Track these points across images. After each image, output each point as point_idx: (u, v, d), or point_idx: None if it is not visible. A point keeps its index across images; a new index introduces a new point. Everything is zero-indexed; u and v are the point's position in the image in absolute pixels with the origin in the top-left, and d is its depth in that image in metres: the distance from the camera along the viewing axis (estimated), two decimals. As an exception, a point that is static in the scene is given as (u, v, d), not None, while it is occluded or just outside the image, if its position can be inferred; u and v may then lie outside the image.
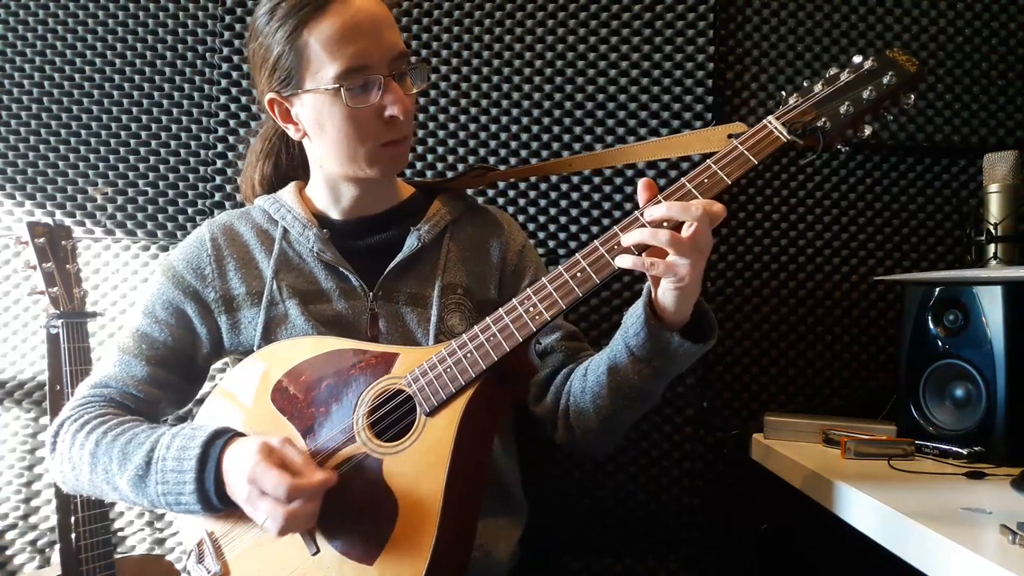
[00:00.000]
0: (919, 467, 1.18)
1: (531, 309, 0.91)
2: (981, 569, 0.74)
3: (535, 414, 1.14)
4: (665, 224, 0.87)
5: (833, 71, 0.92)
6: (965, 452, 1.21)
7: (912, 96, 0.92)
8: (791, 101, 0.92)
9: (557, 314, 0.90)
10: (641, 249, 0.88)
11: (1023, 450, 1.20)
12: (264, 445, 0.89)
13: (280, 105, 1.07)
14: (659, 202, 0.88)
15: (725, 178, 0.88)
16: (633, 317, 0.97)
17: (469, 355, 0.92)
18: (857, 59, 0.92)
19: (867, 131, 0.91)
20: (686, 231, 0.85)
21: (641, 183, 0.91)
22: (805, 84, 0.93)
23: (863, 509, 0.99)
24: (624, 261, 0.88)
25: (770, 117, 0.90)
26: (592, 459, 1.59)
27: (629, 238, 0.88)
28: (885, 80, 0.89)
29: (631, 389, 1.00)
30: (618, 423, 1.06)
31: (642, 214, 0.88)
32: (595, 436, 1.07)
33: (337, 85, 1.00)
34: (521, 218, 1.62)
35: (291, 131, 1.10)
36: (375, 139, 1.04)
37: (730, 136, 0.93)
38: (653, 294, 0.94)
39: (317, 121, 1.04)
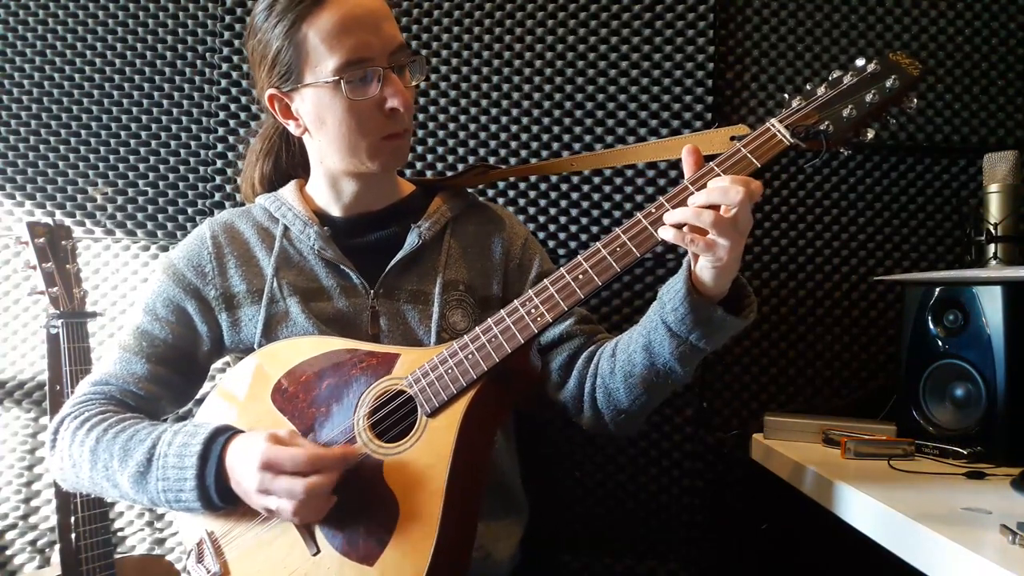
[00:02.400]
0: (919, 467, 1.18)
1: (533, 311, 0.91)
2: (981, 569, 0.74)
3: (557, 400, 1.13)
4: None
5: (836, 74, 0.92)
6: (965, 452, 1.21)
7: (915, 100, 0.91)
8: (794, 104, 0.91)
9: (559, 315, 0.90)
10: (680, 225, 0.88)
11: (1023, 450, 1.20)
12: (273, 434, 0.90)
13: (280, 101, 1.08)
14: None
15: None
16: (671, 292, 0.95)
17: (470, 356, 0.92)
18: (860, 62, 0.91)
19: (869, 134, 0.91)
20: (727, 213, 0.85)
21: (686, 150, 0.91)
22: (808, 87, 0.92)
23: (863, 509, 0.99)
24: (667, 233, 0.87)
25: (773, 120, 0.90)
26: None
27: (672, 216, 0.87)
28: (888, 84, 0.89)
29: (664, 366, 0.99)
30: (647, 403, 1.06)
31: (691, 184, 0.88)
32: (625, 417, 1.07)
33: (337, 78, 1.00)
34: (521, 218, 1.62)
35: (291, 127, 1.10)
36: (376, 132, 1.04)
37: (732, 138, 0.93)
38: (692, 268, 0.93)
39: (318, 115, 1.04)
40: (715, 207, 0.85)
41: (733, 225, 0.85)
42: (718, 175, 0.88)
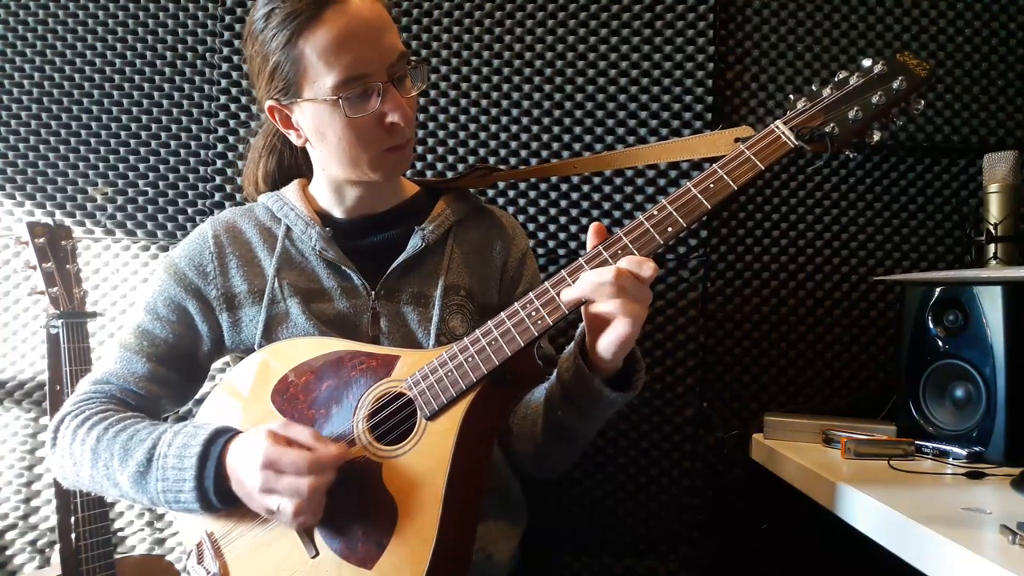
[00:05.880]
0: (919, 467, 1.18)
1: (533, 313, 0.90)
2: (981, 569, 0.74)
3: None
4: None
5: (842, 75, 0.90)
6: (965, 452, 1.22)
7: (922, 102, 0.89)
8: (799, 105, 0.90)
9: (560, 318, 0.90)
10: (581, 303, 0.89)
11: (1023, 450, 1.20)
12: (270, 431, 0.90)
13: (280, 112, 1.07)
14: (602, 259, 0.89)
15: (731, 184, 0.87)
16: (567, 354, 1.00)
17: (470, 359, 0.92)
18: (867, 62, 0.89)
19: (876, 137, 0.89)
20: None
21: (592, 229, 0.91)
22: (813, 87, 0.91)
23: (863, 509, 0.99)
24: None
25: (778, 122, 0.89)
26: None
27: (568, 293, 0.89)
28: (895, 85, 0.87)
29: (558, 424, 1.03)
30: (551, 455, 1.10)
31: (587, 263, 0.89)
32: (532, 462, 1.12)
33: (335, 97, 0.99)
34: (521, 218, 1.62)
35: (292, 137, 1.10)
36: (377, 146, 1.03)
37: (737, 140, 0.92)
38: (587, 338, 0.94)
39: (318, 129, 1.03)
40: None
41: (635, 300, 0.86)
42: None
